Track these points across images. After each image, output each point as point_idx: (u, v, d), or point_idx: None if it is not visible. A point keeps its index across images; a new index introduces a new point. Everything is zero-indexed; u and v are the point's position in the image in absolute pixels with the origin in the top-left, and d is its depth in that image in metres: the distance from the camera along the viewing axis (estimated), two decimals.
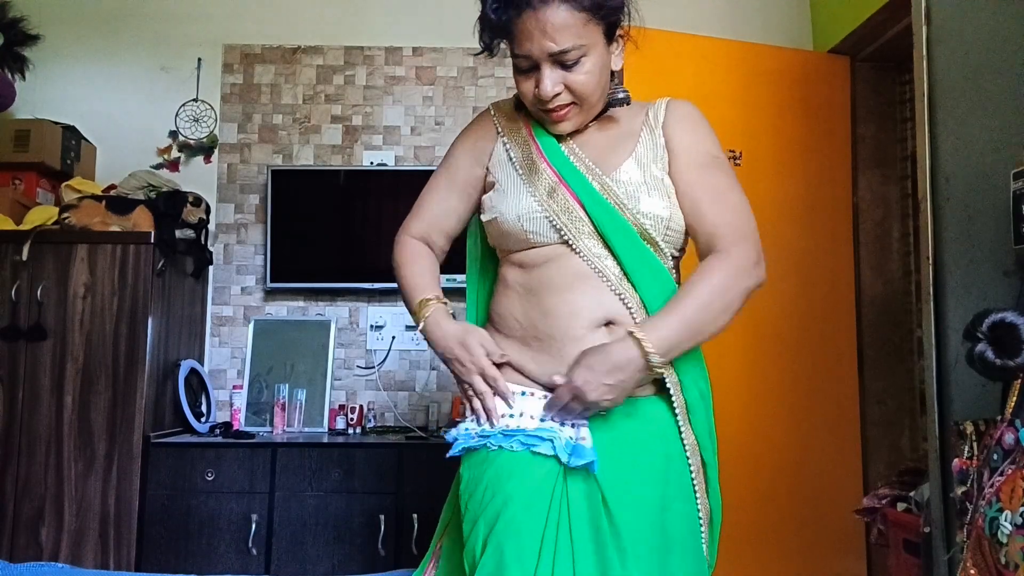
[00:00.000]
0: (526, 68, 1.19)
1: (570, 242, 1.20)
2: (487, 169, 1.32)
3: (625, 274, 1.19)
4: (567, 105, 1.21)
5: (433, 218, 1.37)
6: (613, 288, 1.19)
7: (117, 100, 3.12)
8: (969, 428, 1.34)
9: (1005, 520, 1.16)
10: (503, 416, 1.19)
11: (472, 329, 1.25)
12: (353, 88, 3.13)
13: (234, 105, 3.12)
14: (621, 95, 1.27)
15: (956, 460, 1.34)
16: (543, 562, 1.08)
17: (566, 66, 1.17)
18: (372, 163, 3.07)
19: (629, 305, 1.18)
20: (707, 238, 1.22)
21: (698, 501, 1.22)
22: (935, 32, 1.77)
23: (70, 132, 2.92)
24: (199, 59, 3.12)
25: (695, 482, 1.22)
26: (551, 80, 1.17)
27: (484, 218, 1.31)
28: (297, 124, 3.11)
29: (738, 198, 1.25)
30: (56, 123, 2.86)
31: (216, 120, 3.10)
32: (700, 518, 1.22)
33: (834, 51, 2.88)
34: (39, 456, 2.45)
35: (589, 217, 1.20)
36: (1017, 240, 1.44)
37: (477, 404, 1.19)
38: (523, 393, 1.20)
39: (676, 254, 1.28)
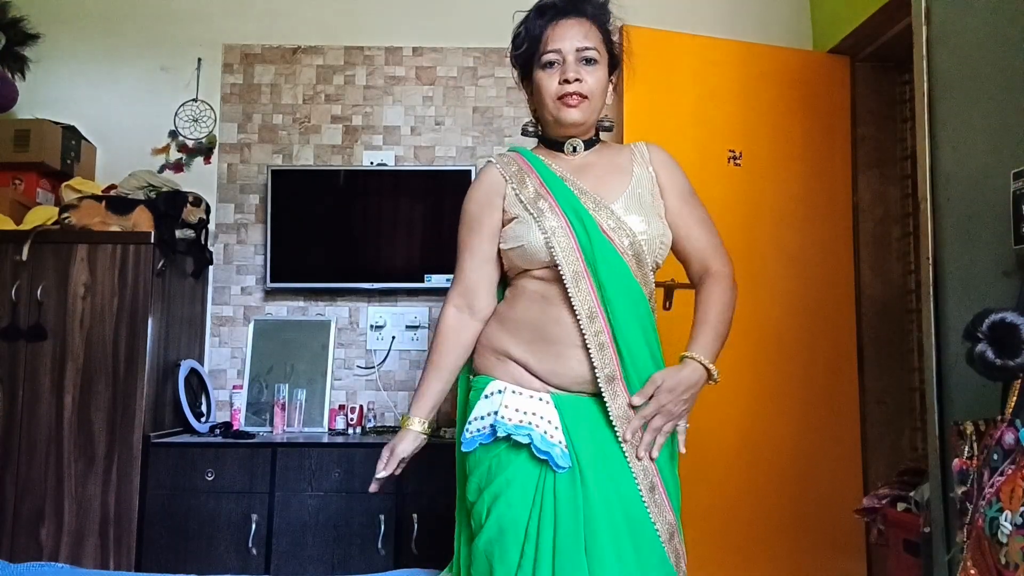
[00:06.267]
0: (552, 62, 1.47)
1: (561, 274, 1.41)
2: (504, 210, 1.51)
3: (601, 307, 1.40)
4: (582, 97, 1.46)
5: (475, 277, 1.54)
6: (580, 323, 1.40)
7: (117, 100, 3.12)
8: (969, 428, 1.34)
9: (1005, 520, 1.16)
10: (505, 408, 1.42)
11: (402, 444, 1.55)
12: (353, 88, 3.13)
13: (234, 105, 3.12)
14: (607, 123, 1.58)
15: (956, 460, 1.34)
16: (529, 537, 1.35)
17: (586, 62, 1.47)
18: (372, 163, 3.07)
19: (587, 340, 1.39)
20: (701, 255, 1.53)
21: (652, 517, 1.37)
22: (935, 32, 1.77)
23: (70, 132, 2.92)
24: (199, 59, 3.12)
25: (645, 500, 1.37)
26: (574, 68, 1.46)
27: (505, 246, 1.49)
28: (297, 124, 3.11)
29: (712, 224, 1.56)
30: (56, 123, 2.86)
31: (216, 120, 3.10)
32: (657, 532, 1.37)
33: (834, 51, 2.88)
34: (39, 456, 2.45)
35: (582, 254, 1.41)
36: (1017, 240, 1.44)
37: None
38: (514, 391, 1.42)
39: (657, 265, 1.50)
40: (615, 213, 1.45)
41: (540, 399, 1.41)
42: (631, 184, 1.50)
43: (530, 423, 1.38)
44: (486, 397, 1.44)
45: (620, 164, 1.53)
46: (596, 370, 1.39)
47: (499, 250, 1.53)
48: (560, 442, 1.37)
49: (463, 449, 1.46)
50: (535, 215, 1.45)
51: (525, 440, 1.37)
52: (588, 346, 1.39)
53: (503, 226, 1.51)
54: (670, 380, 1.38)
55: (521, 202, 1.48)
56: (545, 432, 1.37)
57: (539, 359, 1.43)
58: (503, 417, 1.39)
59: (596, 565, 1.31)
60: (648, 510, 1.37)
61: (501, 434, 1.39)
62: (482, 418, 1.43)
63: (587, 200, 1.46)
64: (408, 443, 1.54)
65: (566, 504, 1.34)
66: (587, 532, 1.33)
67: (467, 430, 1.45)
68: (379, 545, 2.47)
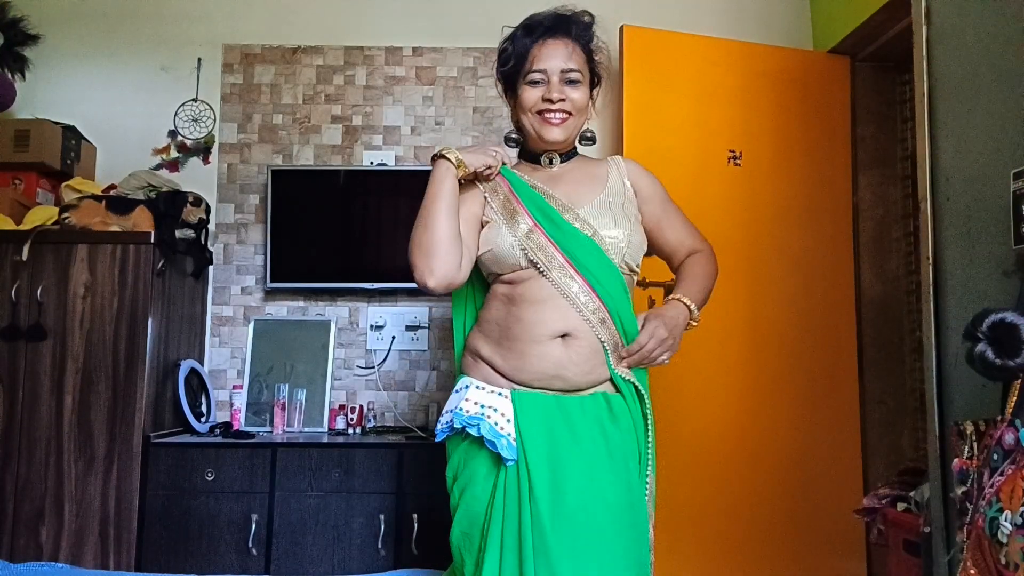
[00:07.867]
0: (537, 81, 1.55)
1: (542, 271, 1.48)
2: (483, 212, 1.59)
3: (591, 287, 1.48)
4: (565, 115, 1.55)
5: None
6: (573, 304, 1.47)
7: (117, 100, 3.12)
8: (969, 428, 1.34)
9: (1005, 520, 1.16)
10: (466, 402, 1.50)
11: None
12: (353, 88, 3.13)
13: (234, 105, 3.12)
14: (589, 134, 1.66)
15: (956, 460, 1.34)
16: (484, 530, 1.42)
17: (569, 83, 1.54)
18: (372, 163, 3.07)
19: (587, 318, 1.47)
20: (689, 245, 1.67)
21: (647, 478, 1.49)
22: (935, 32, 1.77)
23: (70, 132, 2.92)
24: (199, 59, 3.12)
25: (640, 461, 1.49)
26: (558, 88, 1.53)
27: (480, 251, 1.56)
28: (297, 124, 3.11)
29: (690, 222, 1.70)
30: (56, 123, 2.86)
31: (216, 120, 3.10)
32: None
33: (834, 51, 2.88)
34: (39, 456, 2.45)
35: (560, 250, 1.49)
36: (1017, 240, 1.44)
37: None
38: (478, 387, 1.51)
39: (628, 267, 1.55)
40: (581, 216, 1.52)
41: (500, 394, 1.48)
42: (604, 192, 1.58)
43: (482, 414, 1.45)
44: (456, 392, 1.55)
45: (595, 174, 1.62)
46: (604, 343, 1.47)
47: (479, 253, 1.58)
48: (509, 434, 1.43)
49: (436, 439, 1.56)
50: (502, 220, 1.53)
51: (475, 432, 1.44)
52: (590, 322, 1.47)
53: (480, 228, 1.58)
54: (659, 313, 1.52)
55: (493, 209, 1.56)
56: (496, 424, 1.44)
57: (504, 357, 1.50)
58: (461, 409, 1.48)
59: (554, 559, 1.34)
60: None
61: (457, 425, 1.47)
62: (449, 411, 1.53)
63: (555, 204, 1.54)
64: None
65: (512, 497, 1.40)
66: (534, 526, 1.36)
67: (439, 422, 1.55)
68: (379, 545, 2.47)
